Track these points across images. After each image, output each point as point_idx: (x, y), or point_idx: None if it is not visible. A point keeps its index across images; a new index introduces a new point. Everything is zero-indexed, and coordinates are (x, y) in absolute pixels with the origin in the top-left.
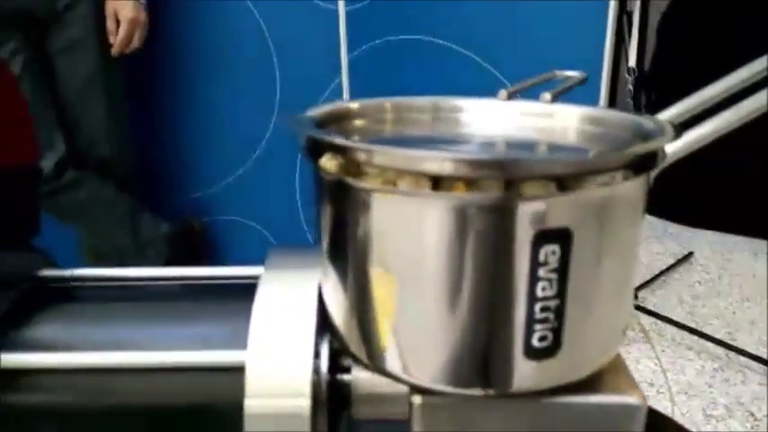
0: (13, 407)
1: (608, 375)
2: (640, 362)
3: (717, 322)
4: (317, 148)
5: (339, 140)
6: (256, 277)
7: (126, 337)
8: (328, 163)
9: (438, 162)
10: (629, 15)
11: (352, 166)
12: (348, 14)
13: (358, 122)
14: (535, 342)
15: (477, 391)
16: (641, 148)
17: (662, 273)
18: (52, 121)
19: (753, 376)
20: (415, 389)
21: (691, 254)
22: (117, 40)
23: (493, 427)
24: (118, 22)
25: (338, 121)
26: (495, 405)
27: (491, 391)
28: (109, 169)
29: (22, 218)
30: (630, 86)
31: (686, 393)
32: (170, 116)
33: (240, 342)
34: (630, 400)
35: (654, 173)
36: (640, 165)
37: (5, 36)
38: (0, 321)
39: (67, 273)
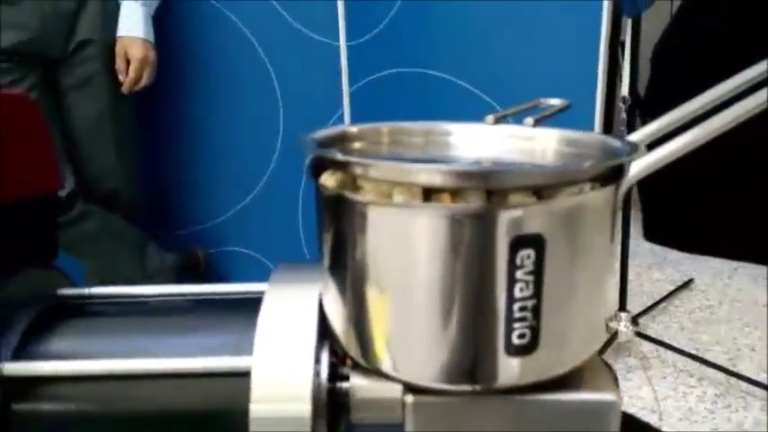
0: (35, 412)
1: (587, 373)
2: (642, 389)
3: (717, 348)
4: (318, 167)
5: (337, 156)
6: (260, 293)
7: (139, 346)
8: (328, 180)
9: (428, 174)
10: (623, 45)
11: (350, 182)
12: (349, 49)
13: (357, 144)
14: (515, 339)
15: (464, 387)
16: (603, 164)
17: (662, 299)
18: (62, 156)
19: (754, 402)
20: (409, 388)
21: (691, 280)
22: (127, 79)
23: (479, 424)
24: (128, 61)
25: (339, 142)
26: (481, 402)
27: (477, 387)
28: (115, 201)
29: (44, 241)
30: (624, 114)
31: (689, 419)
32: (176, 150)
33: (246, 350)
34: (607, 396)
35: (624, 186)
36: (607, 177)
37: (23, 73)
38: (24, 334)
39: (85, 291)
